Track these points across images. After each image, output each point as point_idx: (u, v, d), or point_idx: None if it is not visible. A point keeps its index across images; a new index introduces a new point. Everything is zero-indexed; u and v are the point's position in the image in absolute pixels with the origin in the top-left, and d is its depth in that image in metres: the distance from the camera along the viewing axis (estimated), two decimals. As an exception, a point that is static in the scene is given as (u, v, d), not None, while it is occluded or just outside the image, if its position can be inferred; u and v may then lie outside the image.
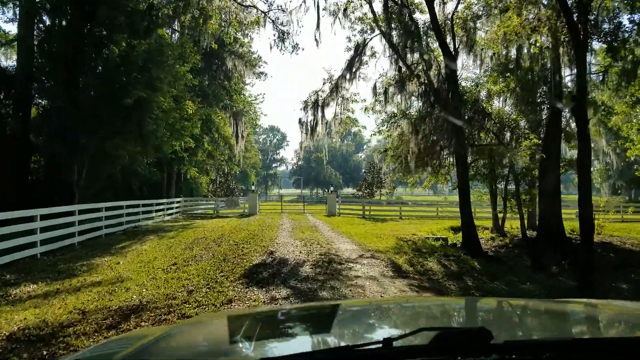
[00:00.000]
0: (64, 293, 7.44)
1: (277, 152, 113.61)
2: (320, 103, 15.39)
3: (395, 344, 1.16)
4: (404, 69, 13.62)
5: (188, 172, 28.24)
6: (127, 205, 18.07)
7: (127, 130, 14.70)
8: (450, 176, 19.94)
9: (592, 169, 23.29)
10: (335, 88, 15.36)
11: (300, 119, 15.48)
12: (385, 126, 16.75)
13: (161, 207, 23.08)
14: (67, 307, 6.41)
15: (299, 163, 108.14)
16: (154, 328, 3.20)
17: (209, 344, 1.68)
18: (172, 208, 25.17)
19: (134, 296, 6.87)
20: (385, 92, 13.73)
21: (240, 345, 1.55)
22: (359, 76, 15.48)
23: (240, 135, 27.34)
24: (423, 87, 13.03)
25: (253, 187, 28.90)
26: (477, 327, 1.18)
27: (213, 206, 28.76)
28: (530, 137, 14.81)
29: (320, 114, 15.45)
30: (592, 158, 22.21)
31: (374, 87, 16.92)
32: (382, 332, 1.82)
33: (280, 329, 1.89)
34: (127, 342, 1.80)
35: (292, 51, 18.99)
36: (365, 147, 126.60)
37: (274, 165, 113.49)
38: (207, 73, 25.02)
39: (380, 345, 1.15)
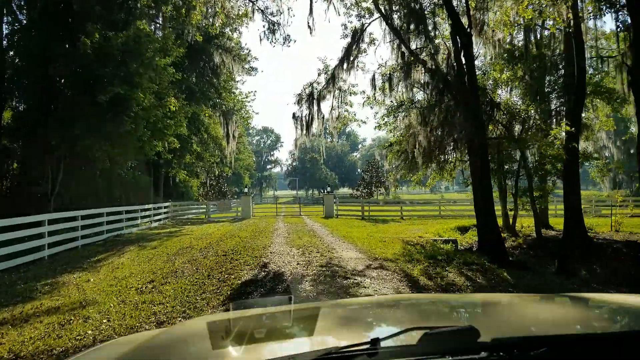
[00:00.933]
0: (8, 325, 6.02)
1: (272, 153, 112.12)
2: (315, 96, 14.00)
3: (383, 344, 1.17)
4: (407, 55, 12.27)
5: (177, 175, 26.77)
6: (108, 212, 16.63)
7: (103, 130, 13.24)
8: (461, 172, 18.68)
9: (591, 162, 22.15)
10: (332, 79, 13.98)
11: (294, 114, 14.08)
12: (391, 117, 15.37)
13: (147, 213, 21.63)
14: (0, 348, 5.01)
15: (294, 164, 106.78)
16: (139, 334, 3.00)
17: (193, 350, 1.65)
18: (159, 214, 23.71)
19: (90, 331, 5.46)
20: (390, 80, 12.36)
21: (227, 350, 1.52)
22: (357, 66, 14.12)
23: (231, 135, 25.90)
24: (429, 74, 11.67)
25: (246, 190, 27.49)
26: (465, 325, 1.21)
27: (204, 210, 27.29)
28: (548, 128, 13.50)
29: (315, 107, 14.06)
30: (592, 151, 21.04)
31: (373, 79, 15.58)
32: (370, 332, 1.76)
33: (265, 332, 1.84)
34: (110, 350, 1.81)
35: (284, 43, 17.63)
36: (360, 146, 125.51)
37: (268, 167, 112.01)
38: (194, 70, 23.60)
39: (368, 345, 1.16)
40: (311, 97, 14.03)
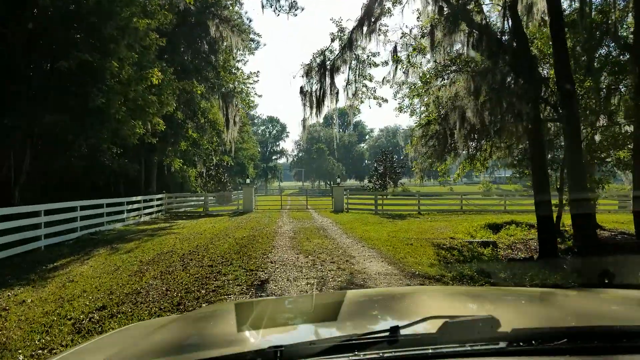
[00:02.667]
0: None
1: (277, 143, 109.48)
2: (328, 66, 11.38)
3: (402, 332, 1.17)
4: (446, 10, 9.60)
5: (172, 163, 24.27)
6: (83, 206, 14.17)
7: (67, 105, 10.72)
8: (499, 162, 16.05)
9: None
10: (348, 45, 11.35)
11: (302, 89, 11.47)
12: (421, 93, 12.70)
13: (135, 206, 19.19)
14: None
15: (300, 155, 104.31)
16: (164, 318, 2.94)
17: (218, 332, 1.68)
18: (151, 206, 21.27)
19: None
20: (432, 33, 9.66)
21: (249, 333, 1.54)
22: (379, 29, 11.46)
23: (231, 119, 23.33)
24: (477, 33, 9.00)
25: (248, 180, 24.92)
26: (485, 315, 1.23)
27: (202, 203, 24.83)
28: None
29: (328, 80, 11.44)
30: None
31: (395, 50, 12.95)
32: (390, 321, 1.75)
33: (288, 318, 1.88)
34: (136, 330, 1.89)
35: (289, 10, 15.00)
36: (367, 137, 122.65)
37: (274, 157, 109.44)
38: (189, 47, 21.00)
39: (388, 333, 1.16)
40: (323, 68, 11.41)
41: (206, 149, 24.12)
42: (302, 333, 1.62)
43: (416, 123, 15.64)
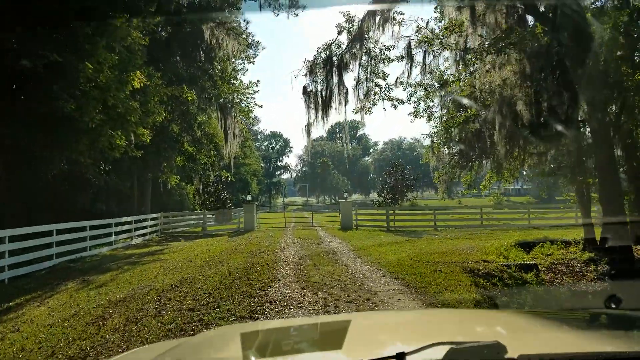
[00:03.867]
0: None
1: (281, 159, 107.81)
2: (335, 62, 9.72)
3: (408, 358, 1.16)
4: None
5: (168, 180, 22.61)
6: (60, 229, 12.49)
7: (33, 113, 9.10)
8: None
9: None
10: (358, 37, 9.76)
11: (305, 88, 9.86)
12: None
13: (126, 227, 17.47)
14: None
15: (304, 169, 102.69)
16: (162, 343, 2.97)
17: (224, 357, 1.67)
18: (144, 227, 19.54)
19: None
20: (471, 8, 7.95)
21: None
22: (394, 18, 9.82)
23: (230, 132, 21.73)
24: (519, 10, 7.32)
25: (249, 197, 23.22)
26: (491, 341, 1.20)
27: (200, 222, 23.05)
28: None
29: (335, 78, 9.83)
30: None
31: (408, 46, 11.38)
32: (396, 346, 1.64)
33: (293, 344, 1.86)
34: (144, 353, 1.97)
35: (289, 9, 13.47)
36: (372, 150, 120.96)
37: (277, 173, 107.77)
38: (184, 55, 19.50)
39: (394, 359, 1.15)
40: (329, 64, 9.81)
41: (204, 163, 22.44)
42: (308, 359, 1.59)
43: (433, 127, 13.97)
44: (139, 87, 10.81)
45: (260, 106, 28.86)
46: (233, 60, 21.41)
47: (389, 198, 27.51)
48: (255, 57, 22.78)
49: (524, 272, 10.22)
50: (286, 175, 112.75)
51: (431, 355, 1.19)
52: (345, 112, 10.77)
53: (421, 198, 69.86)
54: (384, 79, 11.09)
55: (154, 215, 20.76)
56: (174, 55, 18.46)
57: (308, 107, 9.73)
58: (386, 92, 11.24)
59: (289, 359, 1.59)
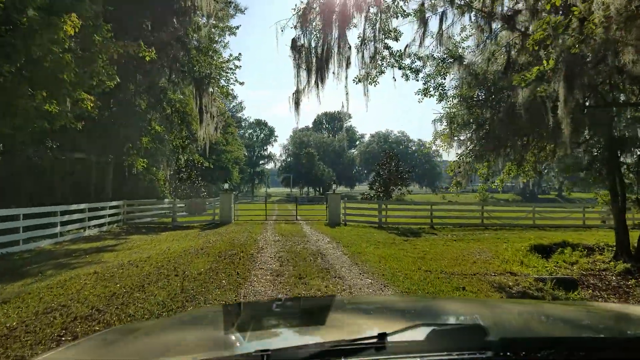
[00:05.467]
0: None
1: (265, 148, 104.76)
2: (336, 8, 7.25)
3: (390, 338, 1.15)
4: None
5: (134, 164, 19.87)
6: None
7: None
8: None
9: None
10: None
11: (294, 41, 7.39)
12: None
13: (77, 216, 14.82)
14: None
15: (289, 160, 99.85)
16: (149, 322, 3.08)
17: (204, 336, 1.64)
18: (102, 217, 16.88)
19: None
20: None
21: (237, 336, 1.51)
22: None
23: (207, 111, 19.11)
24: None
25: (227, 186, 20.66)
26: (472, 324, 1.33)
27: (171, 211, 20.39)
28: None
29: (335, 32, 7.37)
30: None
31: (421, 5, 9.07)
32: (378, 327, 1.53)
33: (277, 321, 1.84)
34: (120, 334, 1.79)
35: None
36: (358, 143, 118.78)
37: (261, 162, 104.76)
38: (155, 19, 16.74)
39: (376, 339, 1.15)
40: (327, 12, 7.28)
41: (174, 145, 19.70)
42: (289, 337, 1.58)
43: (445, 108, 11.65)
44: (72, 32, 8.18)
45: (242, 83, 25.56)
46: (212, 22, 18.62)
47: (382, 191, 25.15)
48: (237, 29, 20.10)
49: (562, 290, 8.05)
50: (270, 165, 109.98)
51: (413, 336, 1.19)
52: (347, 78, 8.33)
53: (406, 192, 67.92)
54: (396, 39, 8.69)
55: (115, 203, 18.07)
56: (139, 16, 15.72)
57: (298, 68, 7.33)
58: (397, 58, 8.86)
59: (273, 335, 1.57)
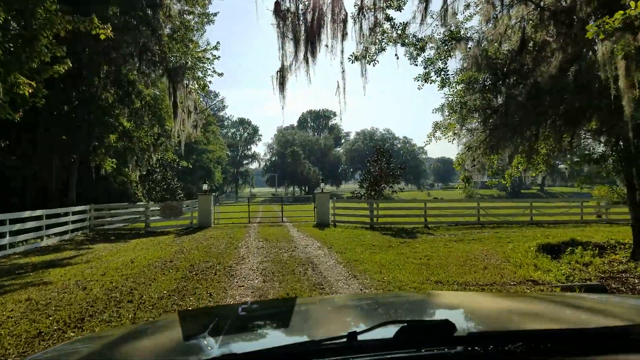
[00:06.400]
0: None
1: (249, 147, 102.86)
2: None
3: (360, 337, 1.15)
4: None
5: (102, 164, 18.13)
6: None
7: None
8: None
9: None
10: None
11: (278, 5, 5.89)
12: None
13: (31, 224, 13.11)
14: None
15: (273, 159, 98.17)
16: (117, 328, 2.95)
17: (172, 342, 1.58)
18: (64, 223, 15.17)
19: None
20: None
21: (203, 342, 1.45)
22: None
23: (182, 106, 17.48)
24: None
25: (206, 187, 19.03)
26: (441, 319, 1.21)
27: (143, 216, 18.69)
28: None
29: (327, -2, 5.85)
30: None
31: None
32: (347, 327, 1.71)
33: (242, 325, 1.80)
34: (89, 342, 1.76)
35: None
36: (343, 141, 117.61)
37: (244, 162, 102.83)
38: (122, 3, 15.05)
39: (345, 339, 1.14)
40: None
41: (145, 143, 17.91)
42: (256, 341, 1.55)
43: (448, 96, 10.33)
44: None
45: (221, 74, 23.14)
46: (186, 8, 16.95)
47: (373, 189, 23.74)
48: (214, 16, 18.46)
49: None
50: (254, 165, 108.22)
51: (382, 334, 1.18)
52: (343, 52, 6.84)
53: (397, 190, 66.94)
54: (399, 8, 7.28)
55: (79, 208, 16.33)
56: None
57: (283, 38, 5.87)
58: (400, 32, 7.46)
59: (239, 339, 1.51)
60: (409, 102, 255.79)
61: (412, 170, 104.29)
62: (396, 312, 1.99)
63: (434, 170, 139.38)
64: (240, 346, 1.43)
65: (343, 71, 6.89)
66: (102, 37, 8.26)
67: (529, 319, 1.72)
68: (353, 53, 7.54)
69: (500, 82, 8.11)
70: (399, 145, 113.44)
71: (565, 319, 1.76)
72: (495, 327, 1.58)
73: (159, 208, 18.67)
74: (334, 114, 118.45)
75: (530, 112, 6.58)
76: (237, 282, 7.25)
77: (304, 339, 1.44)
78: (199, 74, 18.32)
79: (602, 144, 10.23)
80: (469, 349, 1.10)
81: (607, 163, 10.12)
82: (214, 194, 21.87)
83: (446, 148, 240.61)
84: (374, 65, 7.89)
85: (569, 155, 10.06)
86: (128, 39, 14.35)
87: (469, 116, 7.75)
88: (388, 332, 1.16)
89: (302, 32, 5.92)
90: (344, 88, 7.01)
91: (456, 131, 8.87)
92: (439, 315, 1.90)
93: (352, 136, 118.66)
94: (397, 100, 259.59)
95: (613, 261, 9.91)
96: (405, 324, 1.17)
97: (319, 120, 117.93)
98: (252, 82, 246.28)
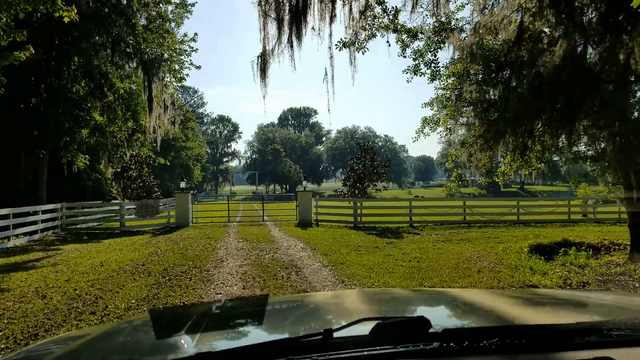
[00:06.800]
0: None
1: (229, 144, 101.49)
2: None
3: (335, 334, 1.15)
4: None
5: (75, 160, 17.19)
6: None
7: None
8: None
9: None
10: None
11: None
12: None
13: (-5, 224, 12.23)
14: None
15: (254, 156, 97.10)
16: (93, 327, 2.82)
17: (148, 341, 1.54)
18: (33, 223, 14.27)
19: None
20: None
21: (180, 341, 1.44)
22: None
23: (159, 100, 16.68)
24: None
25: (183, 184, 18.29)
26: (416, 316, 1.21)
27: (118, 215, 17.81)
28: None
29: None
30: None
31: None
32: (323, 324, 1.68)
33: (217, 324, 1.77)
34: (64, 342, 1.72)
35: None
36: (324, 139, 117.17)
37: (225, 160, 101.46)
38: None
39: (321, 336, 1.14)
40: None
41: (120, 138, 16.96)
42: (231, 339, 1.51)
43: (438, 89, 9.89)
44: None
45: (199, 67, 21.95)
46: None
47: (358, 188, 23.20)
48: (192, 6, 17.65)
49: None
50: (235, 163, 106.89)
51: (358, 331, 1.18)
52: (331, 35, 6.28)
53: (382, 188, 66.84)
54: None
55: (50, 207, 15.40)
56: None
57: (265, 18, 5.28)
58: (392, 17, 6.96)
59: (214, 338, 1.46)
60: (391, 101, 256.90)
61: (393, 169, 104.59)
62: (374, 308, 1.98)
63: (414, 169, 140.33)
64: (216, 344, 1.39)
65: (331, 57, 6.35)
66: (66, 19, 7.51)
67: (506, 315, 1.72)
68: (341, 39, 7.01)
69: (498, 73, 7.67)
70: (380, 144, 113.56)
71: (542, 315, 1.76)
72: (472, 324, 1.60)
73: (134, 206, 17.82)
74: (315, 112, 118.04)
75: (531, 104, 6.15)
76: (214, 288, 6.63)
77: (281, 336, 1.42)
78: (176, 66, 17.51)
79: (599, 141, 9.92)
80: (444, 345, 1.10)
81: (604, 161, 9.84)
82: (192, 191, 21.06)
83: (427, 147, 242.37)
84: (363, 54, 7.40)
85: (565, 152, 9.71)
86: (99, 28, 13.50)
87: (464, 110, 7.29)
88: (364, 329, 1.15)
89: (287, 11, 5.34)
90: (332, 76, 6.49)
91: (449, 126, 8.42)
92: (417, 311, 1.90)
93: (333, 134, 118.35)
94: (378, 100, 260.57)
95: (610, 263, 9.63)
96: (381, 321, 1.16)
97: (300, 118, 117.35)
98: (233, 81, 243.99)
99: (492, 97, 7.12)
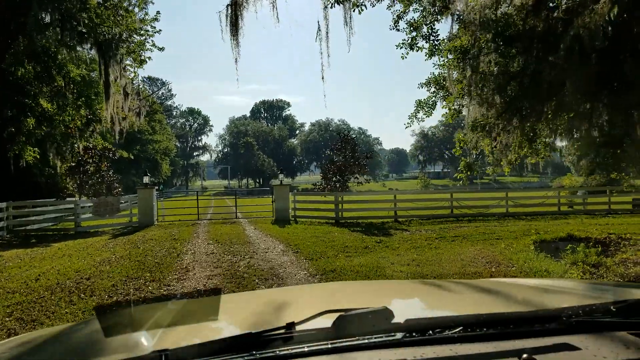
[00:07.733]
0: None
1: (199, 138, 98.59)
2: None
3: (298, 327, 1.15)
4: None
5: (22, 153, 15.21)
6: None
7: None
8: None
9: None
10: None
11: None
12: None
13: None
14: None
15: (225, 150, 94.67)
16: (49, 329, 2.61)
17: (107, 340, 1.40)
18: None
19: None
20: None
21: (132, 337, 1.40)
22: None
23: (117, 85, 14.87)
24: None
25: (146, 179, 16.56)
26: (379, 307, 1.20)
27: (73, 214, 15.93)
28: None
29: None
30: None
31: None
32: (287, 318, 1.51)
33: (174, 320, 1.67)
34: (14, 346, 1.63)
35: None
36: (298, 132, 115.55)
37: (195, 154, 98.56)
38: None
39: (284, 330, 1.13)
40: None
41: (71, 128, 15.03)
42: (190, 335, 1.44)
43: (437, 67, 8.65)
44: None
45: (161, 49, 19.47)
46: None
47: (339, 180, 21.80)
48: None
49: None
50: (206, 157, 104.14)
51: (320, 324, 1.18)
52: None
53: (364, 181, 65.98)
54: None
55: (-8, 207, 13.47)
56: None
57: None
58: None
59: (167, 334, 1.40)
60: (365, 93, 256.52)
61: (368, 162, 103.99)
62: (336, 300, 1.93)
63: (388, 161, 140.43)
64: (173, 341, 1.32)
65: (325, 7, 5.01)
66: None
67: (472, 305, 1.70)
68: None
69: (516, 43, 6.41)
70: (354, 136, 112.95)
71: (508, 304, 1.73)
72: (435, 314, 1.58)
73: (92, 204, 15.97)
74: (288, 105, 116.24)
75: (571, 75, 4.93)
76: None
77: (241, 331, 1.38)
78: (137, 48, 15.67)
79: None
80: (407, 335, 1.09)
81: (621, 148, 8.83)
82: (157, 187, 19.29)
83: (400, 139, 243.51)
84: (360, 13, 6.06)
85: (575, 137, 8.63)
86: (51, 6, 11.63)
87: (479, 86, 6.04)
88: (326, 321, 1.14)
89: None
90: (327, 33, 5.16)
91: (454, 107, 7.18)
92: (378, 302, 1.69)
93: (307, 127, 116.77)
94: (353, 92, 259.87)
95: (626, 261, 8.62)
96: (344, 312, 1.15)
97: (272, 110, 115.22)
98: (202, 74, 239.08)
99: (514, 68, 5.90)
